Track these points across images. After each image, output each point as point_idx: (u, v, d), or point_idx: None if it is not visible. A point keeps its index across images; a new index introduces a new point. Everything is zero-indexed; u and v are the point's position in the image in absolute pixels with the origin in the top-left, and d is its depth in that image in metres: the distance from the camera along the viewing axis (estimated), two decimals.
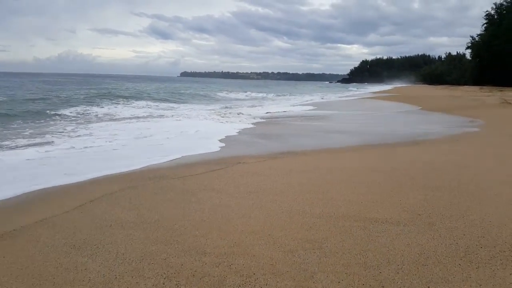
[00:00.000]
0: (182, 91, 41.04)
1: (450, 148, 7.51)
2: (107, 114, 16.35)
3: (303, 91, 57.37)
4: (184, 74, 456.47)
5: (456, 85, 64.88)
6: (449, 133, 9.99)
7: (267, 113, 17.79)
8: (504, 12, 60.26)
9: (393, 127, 11.58)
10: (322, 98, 33.63)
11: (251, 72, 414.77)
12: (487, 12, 63.80)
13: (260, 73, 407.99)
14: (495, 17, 62.46)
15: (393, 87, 77.69)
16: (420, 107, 19.09)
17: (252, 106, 23.57)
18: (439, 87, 63.34)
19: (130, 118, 15.00)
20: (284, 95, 42.34)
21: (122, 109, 18.75)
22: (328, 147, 8.05)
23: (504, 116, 14.54)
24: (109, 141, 8.73)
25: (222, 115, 16.29)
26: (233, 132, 10.67)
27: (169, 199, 4.19)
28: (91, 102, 22.00)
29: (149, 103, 23.78)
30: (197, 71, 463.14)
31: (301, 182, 4.73)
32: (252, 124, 12.69)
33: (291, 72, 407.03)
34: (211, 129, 11.52)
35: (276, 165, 6.05)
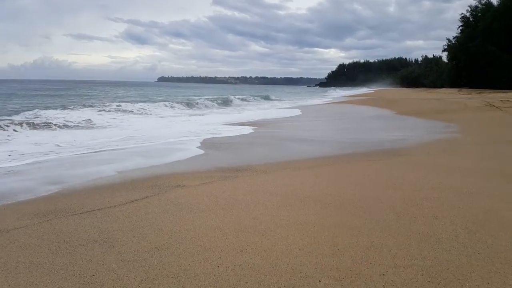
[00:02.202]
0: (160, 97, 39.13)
1: (441, 162, 6.17)
2: (51, 119, 14.45)
3: (283, 95, 55.81)
4: (162, 79, 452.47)
5: (433, 88, 65.01)
6: (435, 142, 8.71)
7: (234, 121, 16.30)
8: (479, 14, 60.84)
9: (371, 135, 10.24)
10: (296, 103, 32.39)
11: (229, 77, 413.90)
12: (462, 15, 64.49)
13: (238, 77, 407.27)
14: (471, 19, 63.06)
15: (372, 90, 77.49)
16: (398, 112, 17.92)
17: (227, 113, 22.06)
18: (417, 90, 63.27)
19: (79, 125, 13.20)
20: (263, 98, 40.79)
21: (78, 114, 16.81)
22: (294, 160, 6.63)
23: (492, 120, 13.46)
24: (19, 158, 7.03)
25: (193, 122, 14.71)
26: (199, 140, 9.25)
27: (29, 263, 2.64)
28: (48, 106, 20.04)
29: (117, 107, 21.80)
30: (174, 76, 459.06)
31: (241, 227, 3.22)
32: (224, 131, 11.18)
33: (269, 76, 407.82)
34: (172, 136, 9.98)
35: (221, 191, 4.56)
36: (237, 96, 36.56)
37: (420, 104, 22.15)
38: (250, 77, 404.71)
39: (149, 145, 8.73)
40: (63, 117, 14.76)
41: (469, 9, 63.55)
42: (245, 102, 33.55)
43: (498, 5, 56.72)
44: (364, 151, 7.60)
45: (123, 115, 18.29)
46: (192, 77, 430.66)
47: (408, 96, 35.50)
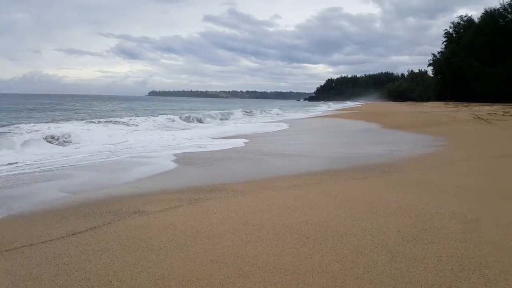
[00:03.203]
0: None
1: (435, 180, 5.55)
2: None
3: (278, 109, 54.88)
4: (153, 93, 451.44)
5: (420, 101, 65.51)
6: (427, 157, 8.14)
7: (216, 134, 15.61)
8: (462, 30, 61.88)
9: (360, 149, 9.64)
10: (280, 115, 31.85)
11: (220, 91, 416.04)
12: (446, 31, 65.49)
13: (229, 91, 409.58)
14: (454, 35, 64.08)
15: (360, 104, 77.87)
16: (387, 125, 17.45)
17: (211, 127, 21.35)
18: (404, 103, 63.67)
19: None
20: (249, 112, 40.05)
21: (56, 128, 15.87)
22: (276, 177, 6.02)
23: (482, 133, 13.03)
24: None
25: (179, 135, 13.95)
26: (176, 153, 8.54)
27: None
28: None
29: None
30: (165, 90, 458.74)
31: (191, 278, 2.48)
32: (207, 144, 10.46)
33: (259, 91, 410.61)
34: (147, 150, 9.22)
35: (185, 219, 3.85)
36: (239, 110, 35.90)
37: (408, 118, 21.79)
38: (241, 91, 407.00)
39: (115, 159, 7.98)
40: (38, 131, 13.84)
41: (452, 26, 64.69)
42: (246, 115, 32.90)
43: (479, 22, 57.76)
44: (353, 166, 6.99)
45: (107, 128, 17.45)
46: (183, 91, 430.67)
47: (396, 109, 35.37)
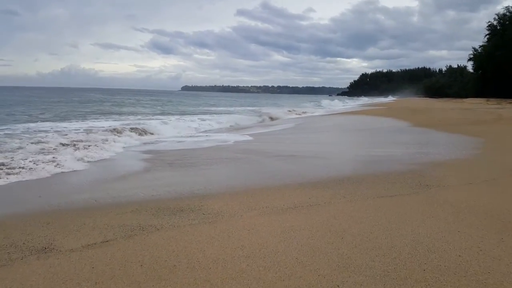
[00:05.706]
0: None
1: (495, 204, 3.85)
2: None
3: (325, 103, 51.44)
4: (185, 88, 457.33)
5: (458, 98, 61.62)
6: (476, 165, 6.35)
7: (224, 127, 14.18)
8: (507, 22, 57.45)
9: (388, 151, 7.88)
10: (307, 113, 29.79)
11: (251, 86, 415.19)
12: (489, 23, 61.02)
13: (260, 86, 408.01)
14: (498, 27, 59.63)
15: (394, 99, 74.64)
16: (424, 123, 15.30)
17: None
18: (442, 100, 59.97)
19: None
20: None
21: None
22: (272, 188, 4.57)
23: None
24: None
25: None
26: (152, 149, 7.18)
27: None
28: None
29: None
30: (198, 85, 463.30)
31: None
32: (189, 140, 9.09)
33: (291, 86, 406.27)
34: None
35: (85, 276, 2.46)
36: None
37: (448, 114, 19.52)
38: (272, 86, 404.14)
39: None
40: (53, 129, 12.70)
41: (497, 17, 60.11)
42: None
43: None
44: (377, 175, 5.38)
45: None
46: (215, 86, 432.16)
47: (434, 106, 32.67)
